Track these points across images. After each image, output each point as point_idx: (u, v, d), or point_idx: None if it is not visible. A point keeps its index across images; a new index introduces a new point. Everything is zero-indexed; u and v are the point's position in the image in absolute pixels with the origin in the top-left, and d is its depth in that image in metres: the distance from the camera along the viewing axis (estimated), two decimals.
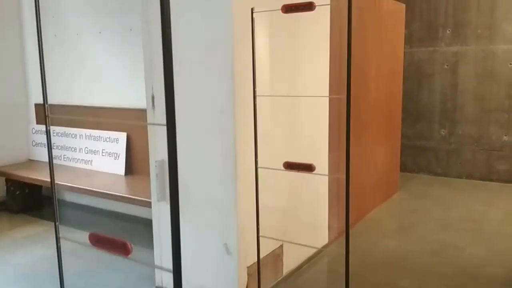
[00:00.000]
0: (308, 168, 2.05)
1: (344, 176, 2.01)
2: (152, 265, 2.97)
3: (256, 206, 2.33)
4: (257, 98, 2.27)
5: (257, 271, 2.57)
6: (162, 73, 2.71)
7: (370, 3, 4.02)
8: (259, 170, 2.32)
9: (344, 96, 1.99)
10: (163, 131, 2.88)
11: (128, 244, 1.17)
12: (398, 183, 5.13)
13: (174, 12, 2.64)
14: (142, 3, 2.73)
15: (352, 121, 3.80)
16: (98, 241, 1.22)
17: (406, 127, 5.54)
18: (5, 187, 4.56)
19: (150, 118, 2.83)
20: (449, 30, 5.36)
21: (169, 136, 1.13)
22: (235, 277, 2.57)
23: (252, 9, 2.15)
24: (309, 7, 1.94)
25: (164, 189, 2.81)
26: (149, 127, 2.88)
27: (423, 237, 3.76)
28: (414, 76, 5.60)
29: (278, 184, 2.87)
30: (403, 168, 5.62)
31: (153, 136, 2.82)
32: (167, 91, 1.09)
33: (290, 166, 2.11)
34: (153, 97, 2.77)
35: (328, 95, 3.27)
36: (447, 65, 5.43)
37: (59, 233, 1.41)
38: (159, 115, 2.78)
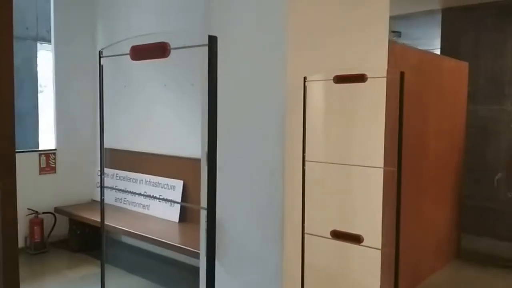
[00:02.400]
0: (356, 239, 2.01)
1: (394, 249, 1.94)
2: None
3: (302, 273, 2.29)
4: (309, 164, 2.29)
5: None
6: (219, 132, 2.82)
7: (429, 62, 3.98)
8: (306, 236, 2.30)
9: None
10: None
11: None
12: (459, 247, 4.84)
13: (229, 75, 2.76)
14: (203, 61, 2.87)
15: (409, 185, 3.69)
16: None
17: (469, 186, 5.27)
18: (68, 226, 4.83)
19: (204, 172, 2.92)
20: None
21: (210, 188, 1.17)
22: None
23: (304, 78, 2.21)
24: (361, 78, 1.96)
25: None
26: (202, 181, 2.95)
27: None
28: (479, 134, 5.37)
29: (327, 248, 2.82)
30: (466, 230, 5.30)
31: (205, 190, 2.89)
32: (210, 147, 1.14)
33: (337, 235, 2.08)
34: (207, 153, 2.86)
35: (382, 164, 3.21)
36: None
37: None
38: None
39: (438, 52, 5.93)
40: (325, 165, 2.48)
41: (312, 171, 2.43)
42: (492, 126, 5.32)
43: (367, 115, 3.11)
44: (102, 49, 1.36)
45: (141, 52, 1.18)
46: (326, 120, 2.76)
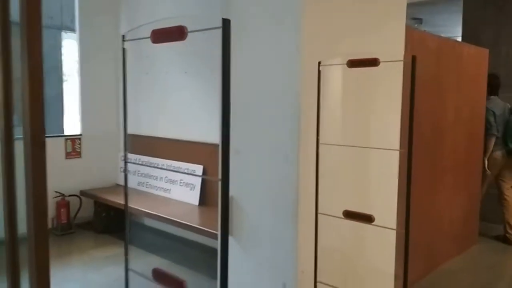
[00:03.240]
0: (367, 218, 2.08)
1: (405, 230, 2.00)
2: None
3: (315, 251, 2.38)
4: (327, 147, 2.36)
5: None
6: (237, 116, 2.91)
7: (449, 49, 3.97)
8: (321, 216, 2.38)
9: (411, 149, 2.01)
10: (233, 168, 3.04)
11: (185, 284, 1.30)
12: (477, 234, 4.84)
13: (245, 61, 2.85)
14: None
15: (425, 170, 3.72)
16: (159, 276, 1.37)
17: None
18: (93, 208, 5.02)
19: None
20: None
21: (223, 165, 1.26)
22: None
23: (319, 63, 2.27)
24: (374, 62, 2.01)
25: (231, 224, 2.96)
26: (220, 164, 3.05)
27: None
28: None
29: (343, 229, 2.89)
30: (485, 218, 5.29)
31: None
32: (223, 130, 1.22)
33: (349, 215, 2.15)
34: None
35: (398, 146, 3.26)
36: None
37: (128, 266, 1.58)
38: (231, 153, 2.96)
39: (459, 39, 5.87)
40: (342, 148, 2.55)
41: (329, 154, 2.50)
42: None
43: (385, 99, 3.15)
44: (125, 33, 1.45)
45: (161, 35, 1.27)
46: (345, 104, 2.81)
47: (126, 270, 1.55)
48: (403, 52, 3.33)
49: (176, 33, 1.21)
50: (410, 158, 1.93)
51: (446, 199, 4.14)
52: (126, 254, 1.60)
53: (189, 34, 1.32)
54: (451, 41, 4.14)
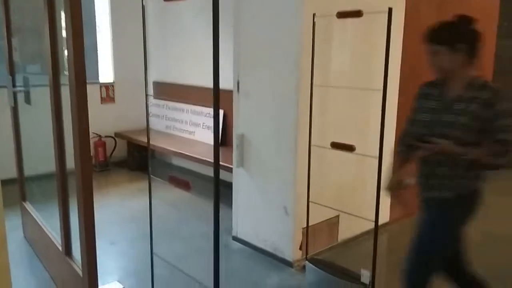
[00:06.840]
0: (349, 148, 2.48)
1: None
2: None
3: (308, 176, 2.81)
4: (335, 90, 2.75)
5: (311, 233, 3.08)
6: (246, 63, 3.38)
7: None
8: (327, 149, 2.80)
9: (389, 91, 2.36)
10: (244, 110, 3.46)
11: (190, 183, 1.78)
12: None
13: (253, 17, 3.22)
14: (236, 5, 3.30)
15: None
16: (173, 180, 1.85)
17: None
18: (126, 148, 5.59)
19: (235, 99, 3.44)
20: None
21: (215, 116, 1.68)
22: (291, 235, 3.10)
23: (314, 14, 2.61)
24: (357, 14, 2.34)
25: (242, 157, 3.42)
26: (234, 106, 3.47)
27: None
28: None
29: (346, 163, 3.28)
30: None
31: (236, 114, 3.44)
32: (214, 80, 1.63)
33: (335, 145, 2.55)
34: (238, 82, 3.37)
35: (397, 90, 3.59)
36: None
37: (150, 179, 2.06)
38: (242, 97, 3.38)
39: None
40: (346, 92, 2.91)
41: (332, 98, 2.86)
42: None
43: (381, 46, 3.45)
44: None
45: None
46: (352, 51, 3.15)
47: (149, 181, 2.02)
48: (404, 3, 3.59)
49: None
50: (385, 97, 2.29)
51: None
52: (148, 166, 2.07)
53: None
54: None
